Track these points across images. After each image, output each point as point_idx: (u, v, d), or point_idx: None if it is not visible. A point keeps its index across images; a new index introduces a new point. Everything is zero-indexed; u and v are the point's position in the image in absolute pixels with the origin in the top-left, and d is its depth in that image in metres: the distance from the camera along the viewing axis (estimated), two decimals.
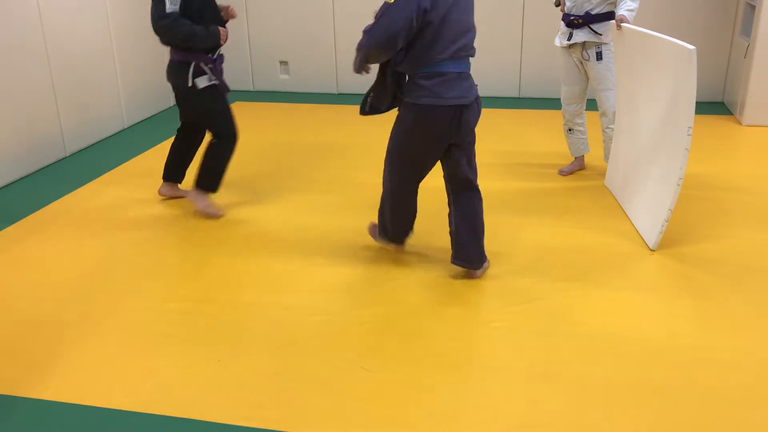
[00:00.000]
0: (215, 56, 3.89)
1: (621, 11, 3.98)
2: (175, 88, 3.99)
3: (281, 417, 2.42)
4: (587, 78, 4.42)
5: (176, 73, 3.88)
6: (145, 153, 5.23)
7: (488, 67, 6.62)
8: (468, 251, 3.26)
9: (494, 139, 5.40)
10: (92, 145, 5.43)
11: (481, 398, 2.49)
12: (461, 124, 3.07)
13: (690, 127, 3.34)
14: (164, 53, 6.33)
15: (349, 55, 6.91)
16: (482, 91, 6.56)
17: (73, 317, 3.06)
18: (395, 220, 3.40)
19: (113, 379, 2.64)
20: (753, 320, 2.94)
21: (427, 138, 3.10)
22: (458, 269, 3.32)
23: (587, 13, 4.23)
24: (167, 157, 4.24)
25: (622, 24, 3.91)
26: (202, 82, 3.83)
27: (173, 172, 4.26)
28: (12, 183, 4.64)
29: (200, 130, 4.20)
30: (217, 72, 3.88)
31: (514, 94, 6.65)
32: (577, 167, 4.68)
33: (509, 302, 3.10)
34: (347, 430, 2.36)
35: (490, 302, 3.11)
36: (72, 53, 5.16)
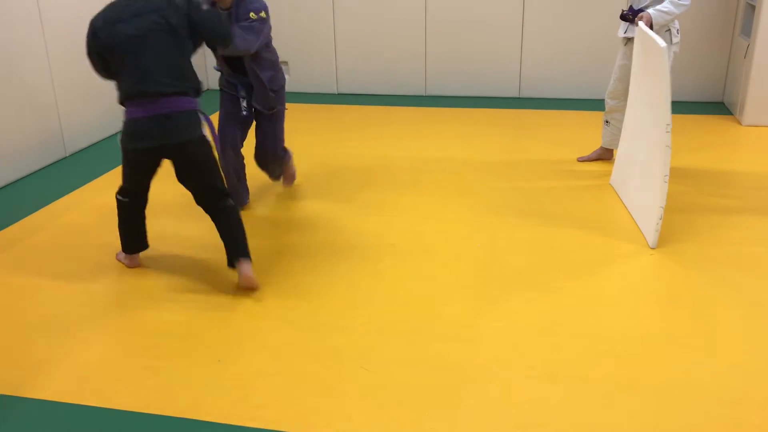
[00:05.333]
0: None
1: (649, 9, 3.95)
2: (180, 147, 3.00)
3: (281, 417, 2.42)
4: None
5: (188, 124, 2.99)
6: None
7: (488, 67, 6.62)
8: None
9: (494, 138, 5.40)
10: (92, 145, 5.42)
11: (481, 398, 2.49)
12: None
13: (668, 124, 3.37)
14: None
15: (350, 55, 6.93)
16: (482, 91, 6.62)
17: (73, 317, 3.06)
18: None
19: (113, 379, 2.64)
20: (753, 320, 2.94)
21: None
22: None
23: (637, 9, 4.15)
24: (126, 231, 3.42)
25: (639, 23, 3.89)
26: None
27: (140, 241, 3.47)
28: (12, 183, 4.64)
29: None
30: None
31: (514, 94, 6.65)
32: (598, 155, 4.77)
33: (509, 302, 3.10)
34: (347, 430, 2.36)
35: (490, 302, 3.11)
36: (72, 53, 5.15)
